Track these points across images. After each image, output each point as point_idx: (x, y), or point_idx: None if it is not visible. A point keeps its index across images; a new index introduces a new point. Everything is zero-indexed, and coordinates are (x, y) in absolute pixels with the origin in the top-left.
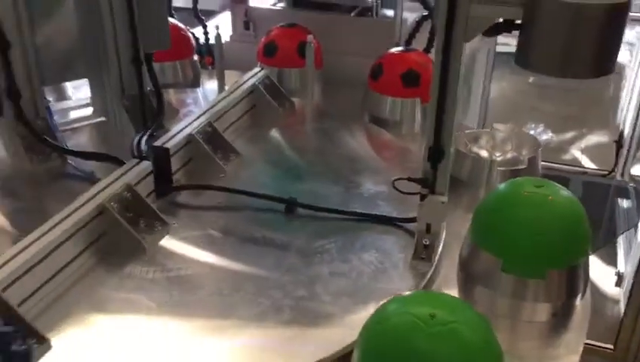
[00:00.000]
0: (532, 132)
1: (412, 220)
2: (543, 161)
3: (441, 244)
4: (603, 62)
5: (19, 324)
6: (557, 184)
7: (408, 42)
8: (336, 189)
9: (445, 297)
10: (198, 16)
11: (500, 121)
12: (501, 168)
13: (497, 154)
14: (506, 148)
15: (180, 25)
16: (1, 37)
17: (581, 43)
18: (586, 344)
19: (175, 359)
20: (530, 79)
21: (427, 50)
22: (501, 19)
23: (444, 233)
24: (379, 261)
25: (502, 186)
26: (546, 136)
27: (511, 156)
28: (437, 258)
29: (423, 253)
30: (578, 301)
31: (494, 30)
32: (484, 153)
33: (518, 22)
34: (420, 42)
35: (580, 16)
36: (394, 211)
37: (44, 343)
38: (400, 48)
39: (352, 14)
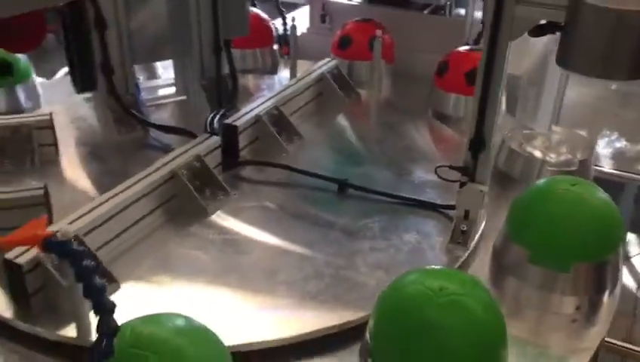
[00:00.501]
0: (606, 139)
1: (453, 207)
2: (611, 168)
3: (479, 232)
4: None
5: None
6: (594, 185)
7: (477, 41)
8: (388, 175)
9: (458, 274)
10: (279, 7)
11: (576, 127)
12: (551, 168)
13: (551, 155)
14: (561, 150)
15: (263, 15)
16: (99, 19)
17: (619, 46)
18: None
19: (222, 309)
20: (613, 86)
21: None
22: (545, 21)
23: (483, 222)
24: (417, 241)
25: (539, 182)
26: (619, 144)
27: (564, 158)
28: (473, 244)
29: (460, 237)
30: (605, 297)
31: (539, 31)
32: (537, 153)
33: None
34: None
35: (619, 22)
36: (439, 199)
37: (114, 284)
38: (466, 47)
39: (426, 12)
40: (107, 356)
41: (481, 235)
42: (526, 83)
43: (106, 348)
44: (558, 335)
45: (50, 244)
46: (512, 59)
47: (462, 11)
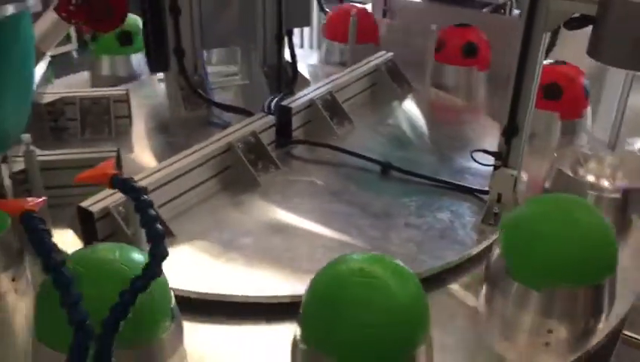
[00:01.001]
0: None
1: (488, 192)
2: None
3: None
4: None
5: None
6: (590, 206)
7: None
8: (430, 159)
9: (387, 261)
10: (342, 2)
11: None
12: (593, 192)
13: (601, 180)
14: (615, 175)
15: (325, 8)
16: (174, 5)
17: None
18: None
19: (262, 265)
20: None
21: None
22: (578, 14)
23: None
24: (450, 220)
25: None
26: None
27: (609, 184)
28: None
29: (492, 219)
30: (602, 319)
31: (572, 23)
32: (589, 177)
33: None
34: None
35: None
36: (477, 185)
37: (171, 237)
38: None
39: (485, 10)
40: (154, 277)
41: None
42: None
43: (154, 271)
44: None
45: (117, 181)
46: (575, 58)
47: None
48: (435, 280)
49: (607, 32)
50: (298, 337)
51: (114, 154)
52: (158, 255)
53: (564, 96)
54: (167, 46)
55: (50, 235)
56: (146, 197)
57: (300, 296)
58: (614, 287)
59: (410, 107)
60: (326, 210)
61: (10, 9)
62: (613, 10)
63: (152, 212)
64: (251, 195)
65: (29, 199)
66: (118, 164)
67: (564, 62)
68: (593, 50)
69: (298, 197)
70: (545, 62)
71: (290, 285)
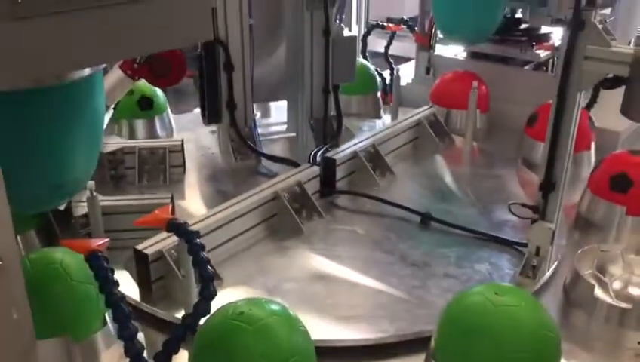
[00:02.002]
0: None
1: (526, 245)
2: None
3: (551, 270)
4: None
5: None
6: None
7: None
8: (470, 212)
9: (517, 290)
10: (388, 59)
11: None
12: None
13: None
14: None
15: (369, 65)
16: (228, 63)
17: None
18: None
19: (306, 311)
20: None
21: (589, 106)
22: (611, 75)
23: (556, 262)
24: (489, 272)
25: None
26: None
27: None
28: (543, 279)
29: (530, 272)
30: None
31: (606, 83)
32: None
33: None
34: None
35: None
36: (516, 237)
37: (218, 280)
38: None
39: (526, 68)
40: (204, 315)
41: (554, 273)
42: (626, 139)
43: (203, 308)
44: None
45: (172, 225)
46: (615, 115)
47: None
48: None
49: (638, 93)
50: None
51: (168, 200)
52: (207, 295)
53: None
54: (220, 100)
55: (113, 273)
56: (198, 240)
57: (337, 341)
58: None
59: (450, 160)
60: (366, 259)
61: (87, 70)
62: None
63: (204, 254)
64: (295, 242)
65: (95, 240)
66: (172, 210)
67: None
68: (625, 110)
69: (340, 245)
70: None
71: (331, 330)
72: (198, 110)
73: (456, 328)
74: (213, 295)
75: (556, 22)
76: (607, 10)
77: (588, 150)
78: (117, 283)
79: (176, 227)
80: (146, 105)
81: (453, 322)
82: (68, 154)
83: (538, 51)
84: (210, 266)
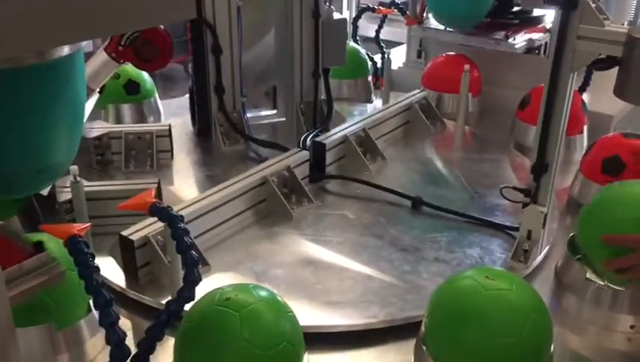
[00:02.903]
0: None
1: (518, 229)
2: None
3: (543, 253)
4: None
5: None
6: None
7: None
8: (461, 196)
9: (508, 274)
10: (379, 43)
11: None
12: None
13: None
14: None
15: (360, 49)
16: (216, 44)
17: None
18: None
19: (295, 296)
20: None
21: (582, 89)
22: (604, 55)
23: (548, 245)
24: (480, 256)
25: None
26: None
27: None
28: (535, 263)
29: (522, 256)
30: None
31: (599, 64)
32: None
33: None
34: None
35: None
36: (507, 221)
37: (206, 266)
38: None
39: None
40: (188, 301)
41: (545, 257)
42: (619, 123)
43: (187, 294)
44: (614, 352)
45: (155, 209)
46: (607, 99)
47: None
48: None
49: (631, 73)
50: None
51: (154, 186)
52: (191, 280)
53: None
54: (208, 85)
55: (93, 259)
56: (182, 225)
57: (324, 327)
58: None
59: (442, 144)
60: (356, 244)
61: (65, 50)
62: (637, 51)
63: (188, 240)
64: (284, 228)
65: (76, 225)
66: (159, 195)
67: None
68: (618, 90)
69: (329, 230)
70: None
71: (320, 316)
72: (187, 95)
73: (446, 312)
74: (197, 281)
75: (549, 2)
76: None
77: (580, 133)
78: (97, 269)
79: (159, 211)
80: (133, 90)
81: (443, 306)
82: (48, 136)
83: (514, 41)
84: (195, 251)
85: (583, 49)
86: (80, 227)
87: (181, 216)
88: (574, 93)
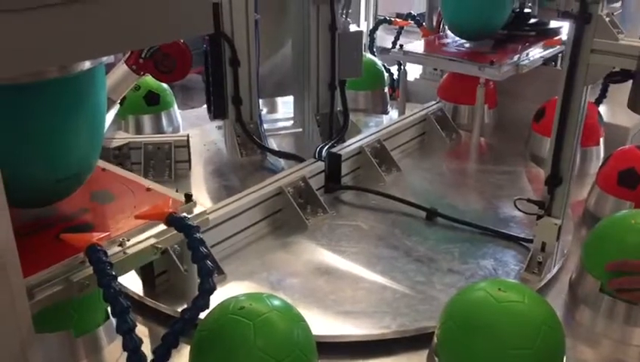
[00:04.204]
0: None
1: (532, 241)
2: None
3: (558, 266)
4: None
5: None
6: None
7: None
8: (476, 207)
9: (521, 286)
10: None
11: None
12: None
13: None
14: None
15: (377, 61)
16: (234, 57)
17: None
18: None
19: (309, 305)
20: None
21: (598, 102)
22: (618, 68)
23: (563, 258)
24: (493, 268)
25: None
26: None
27: None
28: (550, 276)
29: (536, 268)
30: None
31: (613, 77)
32: None
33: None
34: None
35: None
36: (522, 233)
37: (222, 276)
38: None
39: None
40: (202, 310)
41: (560, 269)
42: (635, 135)
43: (202, 303)
44: None
45: (172, 219)
46: (624, 111)
47: None
48: None
49: None
50: None
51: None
52: (206, 289)
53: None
54: (226, 95)
55: (111, 267)
56: (198, 235)
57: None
58: None
59: (458, 155)
60: (371, 254)
61: (87, 64)
62: None
63: (204, 249)
64: (299, 238)
65: (95, 234)
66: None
67: None
68: (633, 104)
69: (344, 240)
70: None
71: (333, 325)
72: (205, 106)
73: (458, 324)
74: (212, 290)
75: (563, 15)
76: (617, 4)
77: (597, 145)
78: (115, 277)
79: (176, 221)
80: (153, 101)
81: (455, 318)
82: (69, 148)
83: (497, 68)
84: (210, 261)
85: (596, 62)
86: (99, 236)
87: (197, 226)
88: (590, 106)
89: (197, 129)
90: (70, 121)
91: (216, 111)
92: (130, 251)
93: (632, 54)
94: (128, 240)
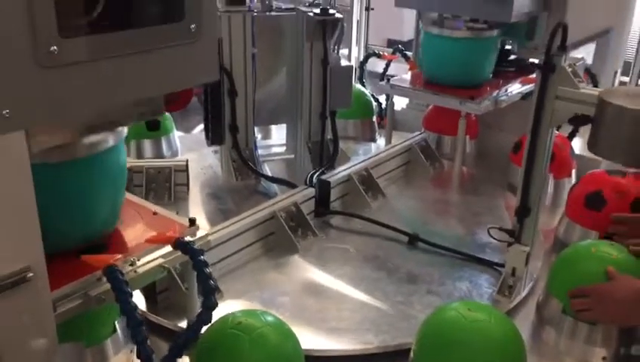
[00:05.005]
0: None
1: (504, 265)
2: None
3: (527, 289)
4: None
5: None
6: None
7: (558, 127)
8: (455, 233)
9: (490, 308)
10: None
11: None
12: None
13: None
14: None
15: (366, 92)
16: (232, 89)
17: (636, 139)
18: None
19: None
20: None
21: (571, 136)
22: (579, 113)
23: (531, 282)
24: (468, 289)
25: (579, 244)
26: None
27: None
28: (519, 298)
29: (507, 291)
30: (633, 350)
31: (574, 121)
32: None
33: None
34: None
35: (635, 120)
36: (496, 258)
37: (219, 293)
38: None
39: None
40: (205, 323)
41: (530, 292)
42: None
43: (205, 318)
44: None
45: (179, 243)
46: None
47: None
48: None
49: (603, 131)
50: None
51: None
52: (209, 305)
53: (555, 158)
54: (223, 123)
55: (127, 285)
56: (202, 257)
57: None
58: None
59: (440, 183)
60: (356, 275)
61: (110, 141)
62: (607, 112)
63: (207, 270)
64: (290, 259)
65: (112, 255)
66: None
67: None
68: (591, 146)
69: (332, 262)
70: None
71: (320, 341)
72: (201, 129)
73: (432, 340)
74: (214, 306)
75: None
76: (579, 55)
77: (569, 177)
78: (131, 294)
79: (182, 245)
80: (154, 127)
81: (430, 335)
82: (96, 211)
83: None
84: (212, 280)
85: (560, 108)
86: (116, 257)
87: (202, 250)
88: (563, 140)
89: (194, 153)
90: (98, 189)
91: (214, 138)
92: (140, 270)
93: (590, 102)
94: (139, 260)
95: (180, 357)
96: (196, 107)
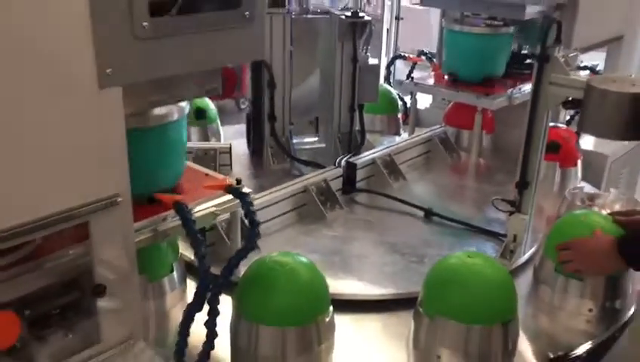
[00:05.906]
0: None
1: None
2: None
3: (527, 254)
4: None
5: None
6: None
7: (569, 121)
8: (467, 210)
9: (486, 257)
10: None
11: None
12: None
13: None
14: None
15: (392, 90)
16: (272, 80)
17: (617, 116)
18: None
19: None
20: None
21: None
22: (570, 97)
23: (532, 248)
24: None
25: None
26: None
27: None
28: (519, 262)
29: (508, 255)
30: (617, 304)
31: (567, 104)
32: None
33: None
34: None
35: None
36: (502, 231)
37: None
38: (551, 123)
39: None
40: (252, 245)
41: (530, 258)
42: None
43: (253, 241)
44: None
45: (231, 189)
46: (604, 140)
47: None
48: None
49: (590, 112)
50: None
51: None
52: (254, 235)
53: (562, 151)
54: (264, 134)
55: (190, 213)
56: (249, 199)
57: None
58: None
59: (456, 170)
60: (376, 241)
61: (175, 115)
62: (593, 95)
63: (253, 207)
64: (319, 226)
65: (177, 195)
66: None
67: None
68: (581, 125)
69: (356, 229)
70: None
71: (344, 287)
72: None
73: (436, 281)
74: (258, 235)
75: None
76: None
77: (575, 166)
78: (194, 221)
79: (234, 190)
80: (200, 115)
81: (434, 277)
82: (167, 166)
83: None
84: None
85: (553, 93)
86: (182, 197)
87: (249, 194)
88: (570, 133)
89: (234, 141)
90: (167, 153)
91: (255, 148)
92: (198, 214)
93: (579, 87)
94: (196, 207)
95: (237, 267)
96: (232, 109)
